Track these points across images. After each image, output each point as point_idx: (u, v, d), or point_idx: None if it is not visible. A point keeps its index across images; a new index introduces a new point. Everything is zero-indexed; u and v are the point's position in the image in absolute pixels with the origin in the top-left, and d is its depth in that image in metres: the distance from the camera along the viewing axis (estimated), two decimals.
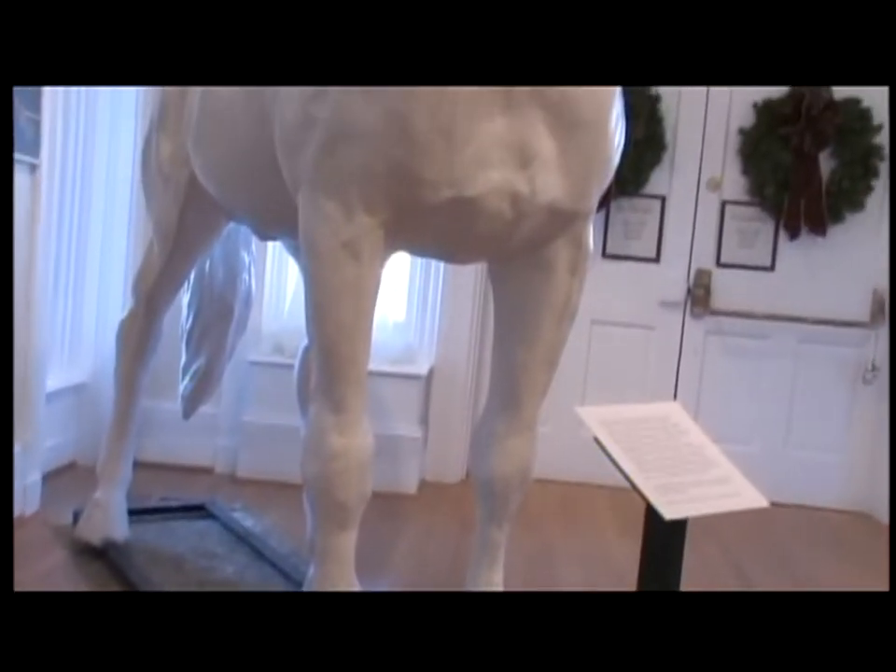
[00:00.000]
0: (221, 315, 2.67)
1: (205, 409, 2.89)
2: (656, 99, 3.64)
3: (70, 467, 3.23)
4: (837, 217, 3.64)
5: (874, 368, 3.66)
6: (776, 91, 3.64)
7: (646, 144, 3.61)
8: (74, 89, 2.95)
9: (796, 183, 3.62)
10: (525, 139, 1.48)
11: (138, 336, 2.45)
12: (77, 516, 2.50)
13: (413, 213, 1.52)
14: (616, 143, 1.64)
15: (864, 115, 3.60)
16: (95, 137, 3.26)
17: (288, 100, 1.59)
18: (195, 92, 2.12)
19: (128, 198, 3.33)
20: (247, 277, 2.74)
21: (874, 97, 3.60)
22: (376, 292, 1.60)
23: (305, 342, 2.41)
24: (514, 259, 1.71)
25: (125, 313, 2.51)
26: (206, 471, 3.44)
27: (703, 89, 3.70)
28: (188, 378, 2.73)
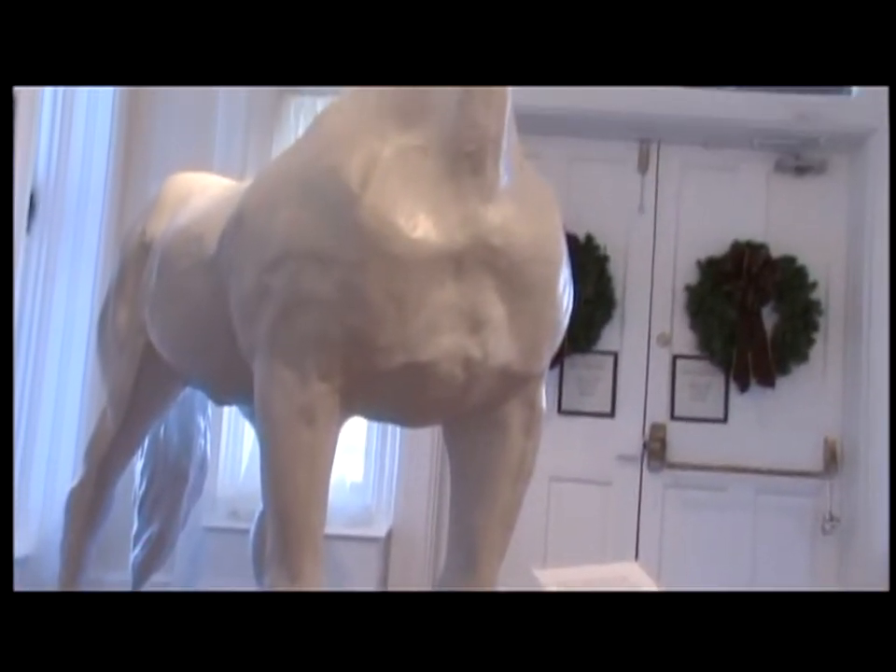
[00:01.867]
0: (176, 480, 2.63)
1: (157, 577, 2.79)
2: (605, 259, 3.78)
3: None
4: (784, 369, 3.74)
5: (832, 518, 3.67)
6: (718, 250, 3.80)
7: (596, 302, 3.72)
8: (26, 255, 2.98)
9: (742, 337, 3.73)
10: (476, 305, 1.53)
11: (88, 506, 2.39)
12: None
13: (368, 378, 1.54)
14: (565, 306, 1.69)
15: (800, 272, 3.76)
16: (52, 309, 3.28)
17: (244, 270, 1.63)
18: (153, 259, 2.17)
19: (82, 364, 3.32)
20: (203, 442, 2.72)
21: (808, 256, 3.77)
22: (332, 458, 1.60)
23: (261, 507, 2.38)
24: (468, 421, 1.72)
25: (75, 481, 2.46)
26: None
27: (649, 247, 3.85)
28: (139, 546, 2.65)
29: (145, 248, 2.24)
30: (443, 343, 1.52)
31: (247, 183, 1.86)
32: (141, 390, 2.31)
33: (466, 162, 1.49)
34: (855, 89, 3.86)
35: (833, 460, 3.71)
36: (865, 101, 3.77)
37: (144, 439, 2.51)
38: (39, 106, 3.02)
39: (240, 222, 1.68)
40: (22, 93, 2.49)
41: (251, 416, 2.37)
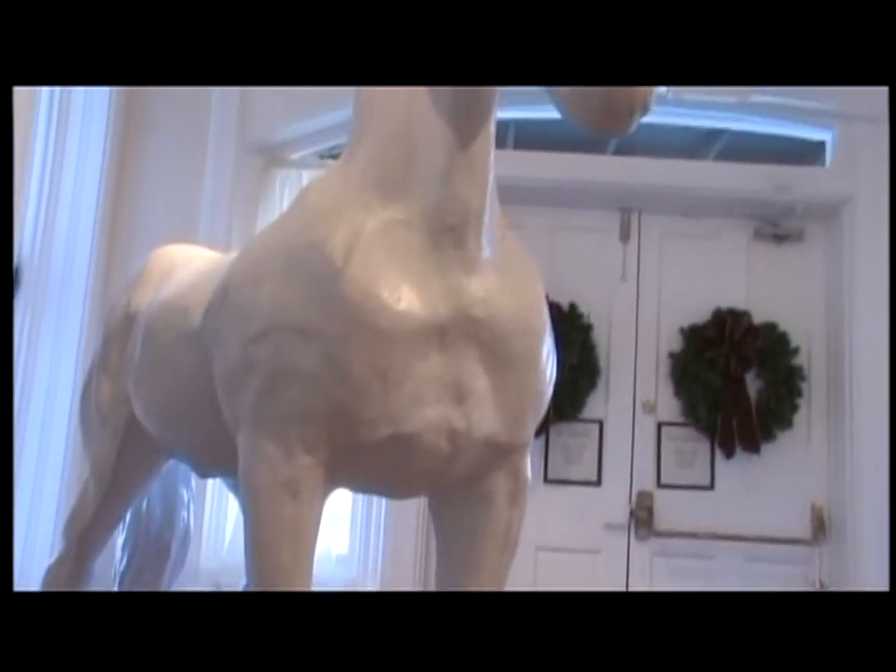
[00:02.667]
0: (158, 555, 2.59)
1: None
2: (588, 327, 3.81)
3: None
4: (769, 435, 3.75)
5: (821, 585, 3.64)
6: (700, 317, 3.84)
7: (581, 370, 3.74)
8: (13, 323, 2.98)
9: (727, 403, 3.75)
10: (460, 376, 1.53)
11: (67, 583, 2.34)
12: None
13: (353, 451, 1.54)
14: (549, 376, 1.69)
15: (782, 339, 3.80)
16: (34, 381, 3.27)
17: (229, 342, 1.63)
18: (137, 331, 2.17)
19: (63, 437, 3.29)
20: (186, 514, 2.69)
21: (789, 322, 3.81)
22: (316, 531, 1.59)
23: (245, 580, 2.34)
24: (454, 492, 1.72)
25: (53, 558, 2.41)
26: None
27: (632, 315, 3.88)
28: None
29: (129, 320, 2.24)
30: (428, 415, 1.52)
31: (232, 256, 1.87)
32: (124, 463, 2.29)
33: (449, 235, 1.51)
34: (829, 158, 3.96)
35: (820, 527, 3.70)
36: (839, 170, 3.86)
37: (126, 512, 2.47)
38: (28, 174, 3.05)
39: (225, 295, 1.69)
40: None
41: (235, 489, 2.34)
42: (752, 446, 3.73)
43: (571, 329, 3.72)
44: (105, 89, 3.58)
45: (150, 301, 2.17)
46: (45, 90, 3.46)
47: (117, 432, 2.26)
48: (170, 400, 1.98)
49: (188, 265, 2.19)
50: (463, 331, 1.52)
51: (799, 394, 3.77)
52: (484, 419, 1.56)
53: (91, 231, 3.49)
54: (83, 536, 2.35)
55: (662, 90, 3.56)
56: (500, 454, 1.64)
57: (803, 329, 3.83)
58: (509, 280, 1.60)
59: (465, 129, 1.49)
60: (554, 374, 1.73)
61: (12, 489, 2.21)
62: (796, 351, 3.79)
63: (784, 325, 3.81)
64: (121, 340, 2.28)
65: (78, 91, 3.59)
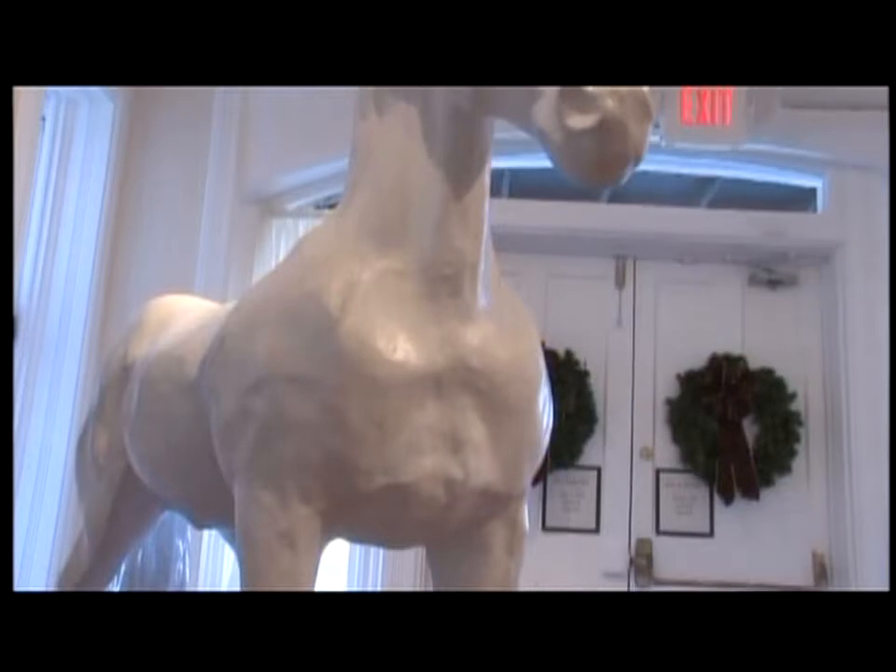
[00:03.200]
0: None
1: None
2: (585, 374, 3.81)
3: None
4: (767, 480, 3.73)
5: None
6: (696, 363, 3.84)
7: (578, 417, 3.73)
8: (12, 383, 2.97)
9: (724, 449, 3.74)
10: (457, 425, 1.53)
11: None
12: None
13: (349, 501, 1.53)
14: (545, 424, 1.69)
15: (779, 384, 3.80)
16: (28, 431, 3.25)
17: (225, 392, 1.63)
18: (134, 382, 2.16)
19: (58, 489, 3.28)
20: (182, 566, 2.67)
21: (785, 367, 3.82)
22: (313, 581, 1.57)
23: None
24: (451, 541, 1.70)
25: None
26: None
27: (628, 361, 3.89)
28: None
29: (126, 371, 2.23)
30: (424, 465, 1.51)
31: (229, 306, 1.88)
32: (119, 515, 2.27)
33: (444, 285, 1.52)
34: (820, 205, 4.00)
35: (822, 574, 3.67)
36: (831, 216, 3.90)
37: (120, 565, 2.45)
38: (26, 224, 3.07)
39: (221, 345, 1.69)
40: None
41: (232, 539, 2.33)
42: (751, 492, 3.71)
43: (568, 376, 3.72)
44: (105, 139, 3.63)
45: (147, 352, 2.17)
46: (46, 137, 3.50)
47: (113, 483, 2.25)
48: (166, 451, 1.97)
49: (184, 315, 2.20)
50: (459, 380, 1.52)
51: (797, 439, 3.76)
52: (481, 468, 1.56)
53: (88, 281, 3.51)
54: (78, 588, 2.33)
55: (655, 138, 3.62)
56: (497, 503, 1.64)
57: (799, 373, 3.84)
58: (504, 329, 1.60)
59: (459, 180, 1.50)
60: (551, 423, 1.73)
61: (12, 490, 2.19)
62: (793, 396, 3.79)
63: (780, 370, 3.82)
64: (118, 390, 2.28)
65: (79, 140, 3.63)
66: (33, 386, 3.26)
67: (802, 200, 4.11)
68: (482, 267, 1.56)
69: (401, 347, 1.49)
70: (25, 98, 2.88)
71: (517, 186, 3.98)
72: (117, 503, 2.26)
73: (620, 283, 3.98)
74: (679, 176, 4.09)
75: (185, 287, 2.82)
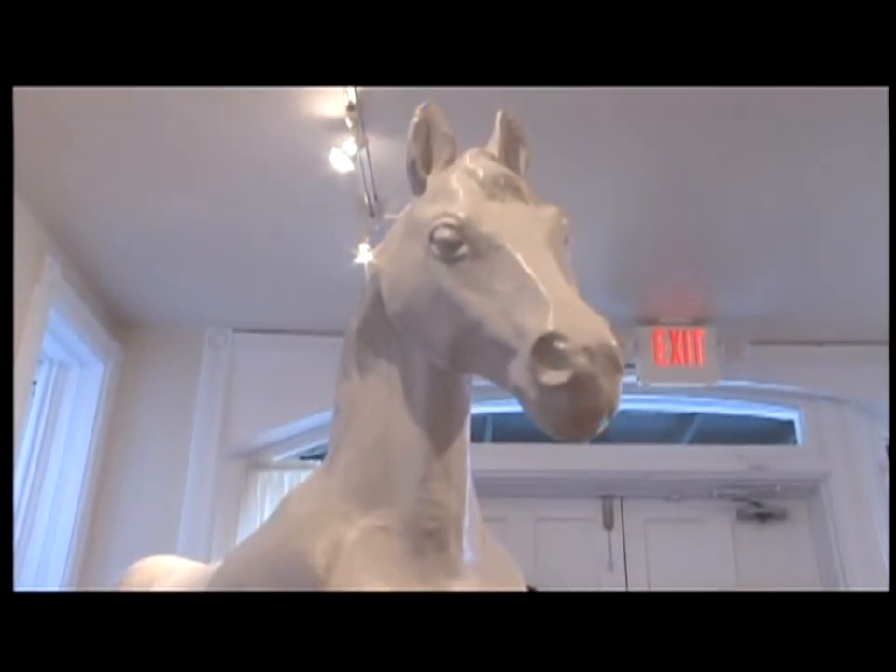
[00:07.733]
0: None
1: None
2: None
3: None
4: None
5: None
6: None
7: None
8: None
9: None
10: None
11: None
12: None
13: None
14: None
15: None
16: None
17: None
18: None
19: None
20: None
21: None
22: None
23: None
24: None
25: None
26: None
27: None
28: None
29: None
30: None
31: (214, 566, 1.85)
32: None
33: (429, 540, 1.51)
34: (800, 437, 4.06)
35: None
36: (811, 449, 3.96)
37: None
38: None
39: None
40: None
41: None
42: None
43: None
44: (94, 400, 3.70)
45: None
46: (35, 400, 3.57)
47: None
48: None
49: (167, 578, 2.15)
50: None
51: None
52: None
53: (67, 544, 3.45)
54: None
55: (632, 379, 3.72)
56: None
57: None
58: (492, 584, 1.58)
59: (441, 436, 1.54)
60: None
61: (12, 490, 2.05)
62: None
63: None
64: None
65: (67, 402, 3.70)
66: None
67: (782, 432, 4.18)
68: (466, 520, 1.57)
69: None
70: (19, 365, 2.97)
71: (500, 430, 4.03)
72: None
73: (608, 524, 3.94)
74: (659, 414, 4.17)
75: (169, 539, 2.78)
